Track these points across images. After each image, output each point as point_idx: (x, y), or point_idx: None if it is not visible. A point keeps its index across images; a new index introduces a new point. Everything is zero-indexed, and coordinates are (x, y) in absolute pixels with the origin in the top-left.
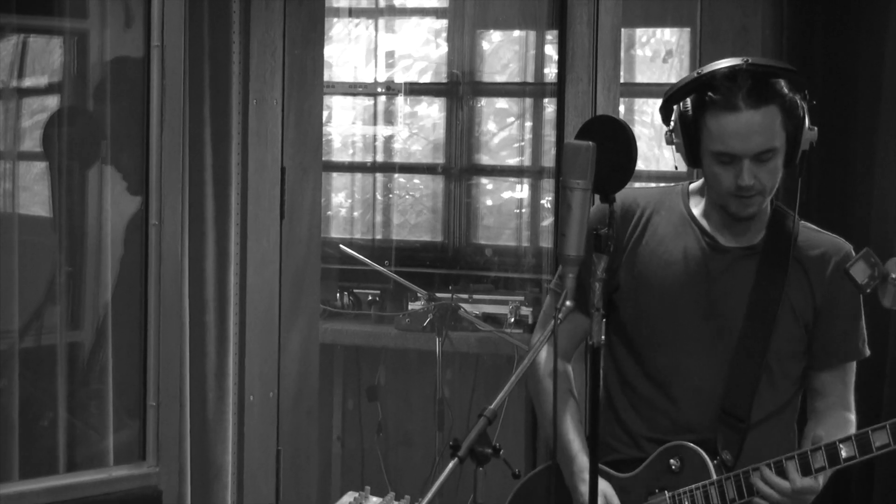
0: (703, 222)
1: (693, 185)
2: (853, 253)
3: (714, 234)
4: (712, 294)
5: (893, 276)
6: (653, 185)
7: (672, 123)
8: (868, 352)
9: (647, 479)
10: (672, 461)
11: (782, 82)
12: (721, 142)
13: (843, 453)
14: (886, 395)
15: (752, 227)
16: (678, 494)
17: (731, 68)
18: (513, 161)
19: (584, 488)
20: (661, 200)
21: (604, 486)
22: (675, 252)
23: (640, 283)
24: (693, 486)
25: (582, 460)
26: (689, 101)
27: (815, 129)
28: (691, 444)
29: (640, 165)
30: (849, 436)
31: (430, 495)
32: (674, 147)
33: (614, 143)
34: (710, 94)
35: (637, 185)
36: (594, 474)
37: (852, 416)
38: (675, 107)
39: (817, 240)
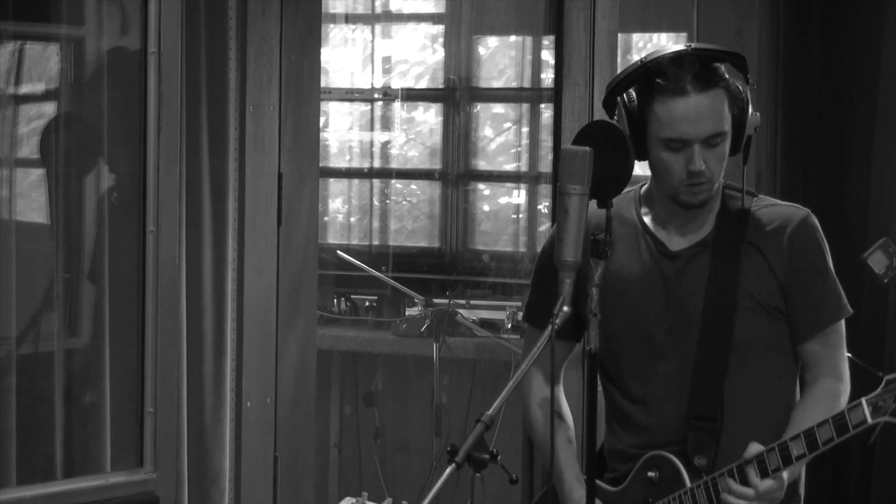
0: (653, 229)
1: (644, 189)
2: (810, 217)
3: (664, 239)
4: (671, 303)
5: None
6: (629, 190)
7: (616, 116)
8: (850, 309)
9: (631, 493)
10: (650, 473)
11: (724, 67)
12: (671, 127)
13: (794, 452)
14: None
15: (700, 220)
16: None
17: (677, 53)
18: (510, 166)
19: (573, 495)
20: (614, 213)
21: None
22: (632, 267)
23: (605, 307)
24: (669, 497)
25: (570, 475)
26: (633, 90)
27: (758, 114)
28: (666, 454)
29: (637, 170)
30: (798, 434)
31: (427, 501)
32: None
33: (611, 148)
34: (657, 80)
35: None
36: (591, 481)
37: (842, 386)
38: (618, 98)
39: (769, 215)
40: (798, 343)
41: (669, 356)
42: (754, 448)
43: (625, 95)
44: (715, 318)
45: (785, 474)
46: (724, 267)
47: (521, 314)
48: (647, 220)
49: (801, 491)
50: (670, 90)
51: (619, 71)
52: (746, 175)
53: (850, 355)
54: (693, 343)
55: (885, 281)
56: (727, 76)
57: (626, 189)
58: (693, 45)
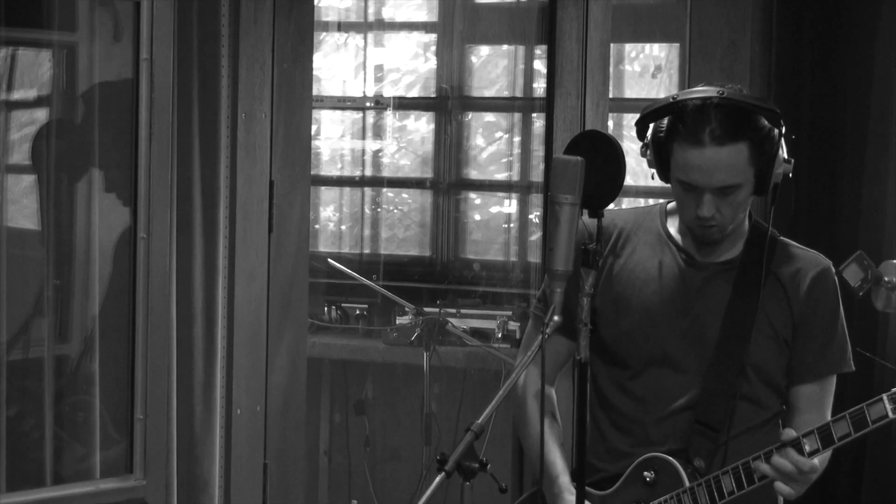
0: (679, 239)
1: (671, 205)
2: (832, 269)
3: (690, 250)
4: (690, 311)
5: (886, 279)
6: (641, 200)
7: (647, 139)
8: (852, 366)
9: (624, 494)
10: (646, 473)
11: (758, 117)
12: (684, 173)
13: (815, 444)
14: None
15: (728, 244)
16: None
17: (703, 100)
18: (501, 176)
19: None
20: (638, 222)
21: None
22: (653, 271)
23: (619, 305)
24: (666, 496)
25: (563, 482)
26: (663, 122)
27: (792, 161)
28: (663, 455)
29: (629, 181)
30: (812, 430)
31: None
32: (646, 161)
33: (603, 158)
34: (678, 124)
35: (626, 200)
36: (581, 491)
37: None
38: (650, 124)
39: (795, 255)
40: (793, 384)
41: (678, 361)
42: (792, 432)
43: (655, 124)
44: (733, 334)
45: (816, 460)
46: (748, 288)
47: (511, 323)
48: (672, 230)
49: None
50: (687, 138)
51: (611, 81)
52: None
53: (868, 354)
54: (705, 353)
55: (861, 294)
56: (757, 126)
57: (652, 203)
58: (724, 93)
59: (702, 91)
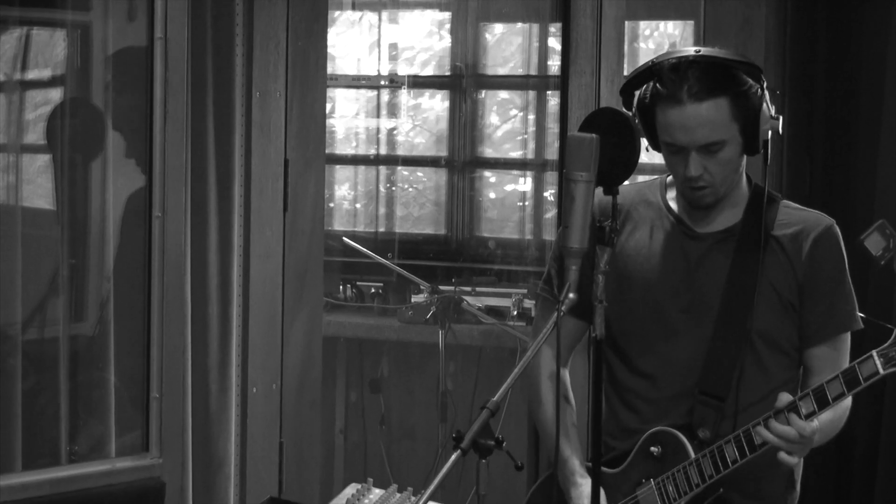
0: (678, 211)
1: (671, 176)
2: (835, 227)
3: (689, 221)
4: (692, 283)
5: None
6: (656, 177)
7: (633, 108)
8: (861, 323)
9: (633, 471)
10: (653, 448)
11: (736, 72)
12: (667, 133)
13: (810, 405)
14: (889, 380)
15: (727, 210)
16: (662, 481)
17: (678, 59)
18: (516, 154)
19: (575, 491)
20: (639, 196)
21: (588, 489)
22: (654, 246)
23: (623, 282)
24: (674, 469)
25: (573, 463)
26: (646, 88)
27: (780, 117)
28: (669, 429)
29: (643, 158)
30: (807, 392)
31: (432, 487)
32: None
33: (618, 135)
34: (657, 85)
35: (640, 178)
36: (597, 471)
37: None
38: (635, 92)
39: (797, 217)
40: (806, 347)
41: (682, 334)
42: (787, 396)
43: (638, 91)
44: (735, 303)
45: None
46: (749, 255)
47: (526, 301)
48: (672, 203)
49: (798, 486)
50: (667, 98)
51: (625, 59)
52: (754, 167)
53: (861, 315)
54: (709, 324)
55: (882, 263)
56: (737, 81)
57: (654, 177)
58: (700, 51)
59: (678, 52)
